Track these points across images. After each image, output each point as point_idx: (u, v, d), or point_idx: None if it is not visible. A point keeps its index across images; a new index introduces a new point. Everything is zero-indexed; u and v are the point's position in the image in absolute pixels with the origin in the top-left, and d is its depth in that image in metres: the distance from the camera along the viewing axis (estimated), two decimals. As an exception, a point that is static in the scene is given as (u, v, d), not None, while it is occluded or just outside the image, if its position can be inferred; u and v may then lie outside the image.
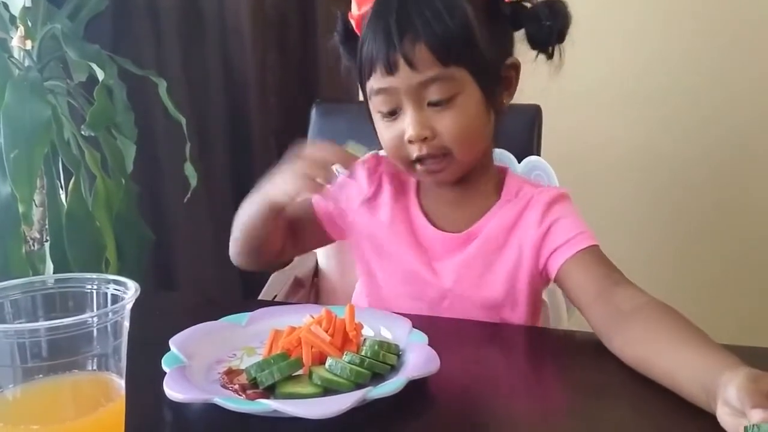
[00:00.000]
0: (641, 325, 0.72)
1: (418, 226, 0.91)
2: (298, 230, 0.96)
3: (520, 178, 0.95)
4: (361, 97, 0.90)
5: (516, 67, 0.87)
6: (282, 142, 1.77)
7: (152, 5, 1.62)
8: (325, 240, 1.00)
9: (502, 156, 1.08)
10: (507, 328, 0.88)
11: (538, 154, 1.20)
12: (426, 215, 0.91)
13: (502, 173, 0.93)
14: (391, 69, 0.79)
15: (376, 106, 0.85)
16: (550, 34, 0.84)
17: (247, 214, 0.90)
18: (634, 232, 1.80)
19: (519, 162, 1.08)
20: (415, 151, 0.83)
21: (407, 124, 0.82)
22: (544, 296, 1.04)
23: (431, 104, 0.81)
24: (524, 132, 1.20)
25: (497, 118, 0.87)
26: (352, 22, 0.86)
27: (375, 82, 0.83)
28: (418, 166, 0.85)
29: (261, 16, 1.72)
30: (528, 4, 0.85)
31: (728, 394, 0.56)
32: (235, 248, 0.94)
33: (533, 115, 1.21)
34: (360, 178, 0.95)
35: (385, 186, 0.94)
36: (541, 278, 0.89)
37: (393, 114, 0.84)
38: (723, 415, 0.57)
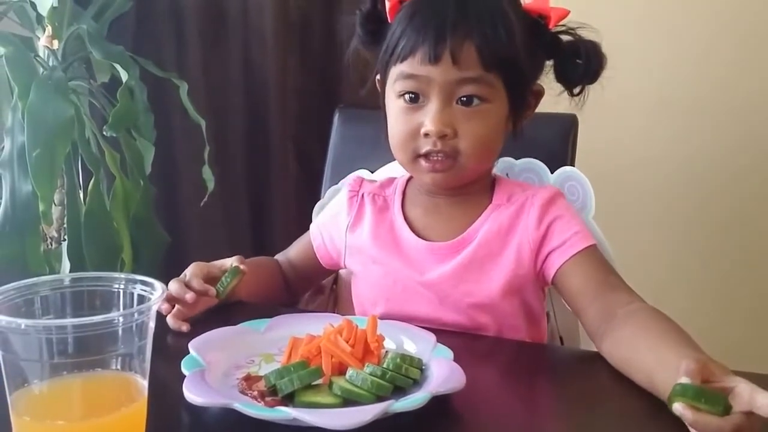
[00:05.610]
0: (630, 328, 0.73)
1: (402, 238, 0.91)
2: (307, 273, 1.04)
3: (512, 182, 0.94)
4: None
5: (538, 94, 0.89)
6: (301, 147, 1.76)
7: (175, 6, 1.61)
8: (330, 271, 1.06)
9: (534, 166, 1.05)
10: (535, 348, 0.87)
11: (573, 165, 1.15)
12: (411, 226, 0.91)
13: (494, 180, 0.93)
14: (434, 59, 0.80)
15: (401, 88, 0.84)
16: (579, 72, 0.86)
17: None
18: (672, 245, 1.74)
19: (552, 172, 1.04)
20: (426, 145, 0.83)
21: (429, 119, 0.82)
22: (551, 310, 1.03)
23: (460, 102, 0.82)
24: (559, 142, 1.16)
25: (507, 138, 0.88)
26: (387, 4, 0.86)
27: (409, 67, 0.83)
28: (423, 162, 0.85)
29: (284, 17, 1.69)
30: (566, 38, 0.87)
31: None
32: None
33: (569, 125, 1.17)
34: (341, 204, 0.97)
35: (367, 206, 0.95)
36: (538, 281, 0.88)
37: (415, 100, 0.83)
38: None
